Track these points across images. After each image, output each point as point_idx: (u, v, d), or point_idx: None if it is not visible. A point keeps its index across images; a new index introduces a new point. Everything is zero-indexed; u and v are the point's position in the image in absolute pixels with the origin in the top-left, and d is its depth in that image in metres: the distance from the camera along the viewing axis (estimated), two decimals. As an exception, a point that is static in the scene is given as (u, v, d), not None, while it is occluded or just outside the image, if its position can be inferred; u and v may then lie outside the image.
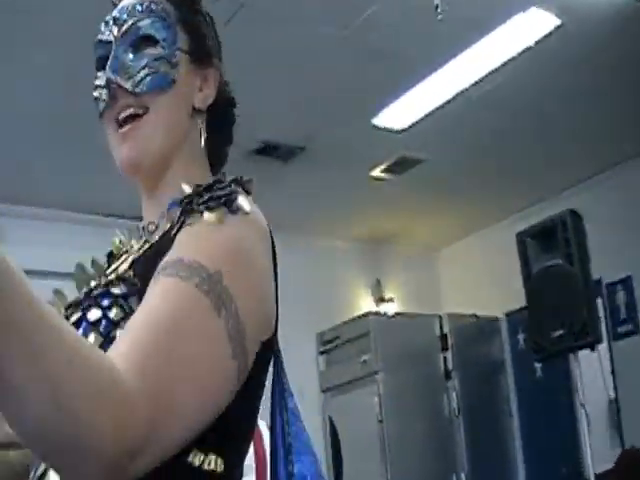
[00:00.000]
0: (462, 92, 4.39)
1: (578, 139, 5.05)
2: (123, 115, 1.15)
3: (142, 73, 1.15)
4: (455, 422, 5.58)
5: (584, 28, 3.97)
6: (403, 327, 5.69)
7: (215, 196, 1.04)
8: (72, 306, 1.10)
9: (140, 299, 0.98)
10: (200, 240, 0.99)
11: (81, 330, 1.03)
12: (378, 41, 3.88)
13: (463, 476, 5.50)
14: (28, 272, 0.74)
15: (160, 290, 0.93)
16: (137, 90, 1.15)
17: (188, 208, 1.05)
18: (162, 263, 0.97)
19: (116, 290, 1.05)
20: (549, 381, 5.55)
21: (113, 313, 1.03)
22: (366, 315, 5.74)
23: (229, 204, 1.03)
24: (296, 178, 5.19)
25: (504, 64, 4.18)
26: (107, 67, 1.16)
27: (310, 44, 3.87)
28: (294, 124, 4.60)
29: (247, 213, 1.04)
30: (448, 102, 4.47)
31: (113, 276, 1.09)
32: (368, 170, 5.24)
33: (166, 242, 1.04)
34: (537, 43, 4.02)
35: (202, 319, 0.91)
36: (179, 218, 1.05)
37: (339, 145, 4.84)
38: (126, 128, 1.15)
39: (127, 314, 1.01)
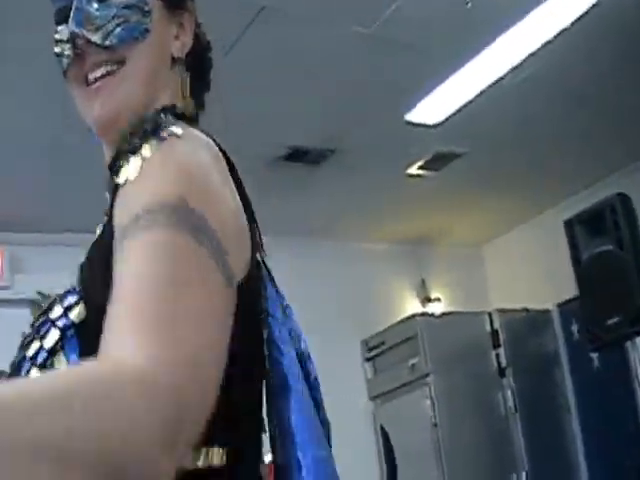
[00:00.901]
0: (496, 82, 4.27)
1: (620, 121, 4.91)
2: (94, 75, 1.05)
3: (112, 24, 1.05)
4: (512, 420, 5.45)
5: (621, 5, 3.83)
6: (452, 327, 5.56)
7: (140, 132, 0.92)
8: (22, 346, 0.98)
9: (86, 305, 0.90)
10: (144, 182, 0.87)
11: (24, 369, 0.93)
12: (406, 34, 3.78)
13: (524, 475, 5.36)
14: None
15: (130, 255, 0.80)
16: (107, 43, 1.04)
17: (116, 167, 0.92)
18: (118, 230, 0.85)
19: (54, 314, 0.93)
20: (607, 371, 5.43)
21: (48, 341, 0.92)
22: (412, 317, 5.61)
23: (157, 133, 0.91)
24: (329, 182, 5.09)
25: (539, 49, 4.04)
26: (70, 19, 1.06)
27: (336, 43, 3.77)
28: (323, 126, 4.49)
29: (179, 136, 0.92)
30: (482, 93, 4.35)
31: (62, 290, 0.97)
32: (404, 168, 5.13)
33: (108, 225, 0.92)
34: (573, 24, 3.89)
35: (186, 258, 0.79)
36: (110, 184, 0.93)
37: (372, 145, 4.74)
38: (99, 83, 1.05)
39: (64, 332, 0.91)
